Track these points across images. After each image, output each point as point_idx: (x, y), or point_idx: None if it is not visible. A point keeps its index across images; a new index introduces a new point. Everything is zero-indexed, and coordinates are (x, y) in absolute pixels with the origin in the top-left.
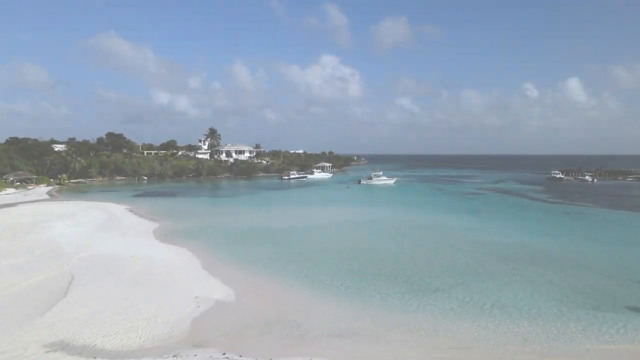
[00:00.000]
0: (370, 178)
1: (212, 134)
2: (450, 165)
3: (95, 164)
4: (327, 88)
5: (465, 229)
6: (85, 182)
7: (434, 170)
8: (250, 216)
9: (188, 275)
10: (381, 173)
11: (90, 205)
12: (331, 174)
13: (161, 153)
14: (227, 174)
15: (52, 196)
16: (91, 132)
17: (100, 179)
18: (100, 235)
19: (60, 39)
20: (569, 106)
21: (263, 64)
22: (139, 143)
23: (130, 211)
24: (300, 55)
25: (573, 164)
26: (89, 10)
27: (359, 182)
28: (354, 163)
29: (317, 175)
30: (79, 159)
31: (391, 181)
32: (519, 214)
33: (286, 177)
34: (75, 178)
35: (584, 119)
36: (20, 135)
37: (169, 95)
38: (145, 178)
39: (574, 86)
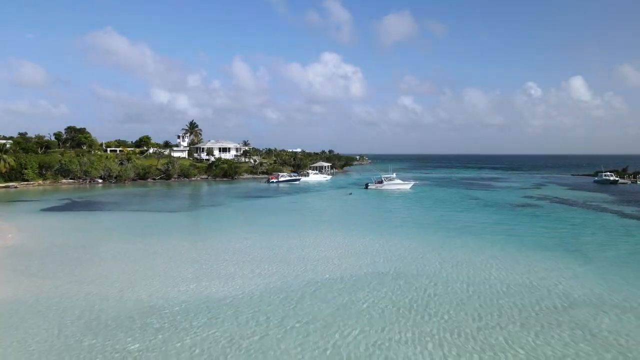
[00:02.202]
0: (381, 182)
1: (192, 128)
2: (462, 166)
3: (32, 164)
4: (328, 86)
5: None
6: (17, 187)
7: (449, 172)
8: (169, 263)
9: None
10: (394, 175)
11: None
12: (330, 176)
13: (128, 151)
14: (204, 176)
15: None
16: (90, 131)
17: (40, 182)
18: None
19: (58, 37)
20: (574, 105)
21: (263, 62)
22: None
23: None
24: (302, 54)
25: (589, 164)
26: (86, 8)
27: (366, 186)
28: (356, 163)
29: (313, 177)
30: (4, 157)
31: (407, 186)
32: None
33: (274, 180)
34: (5, 181)
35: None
36: None
37: (168, 94)
38: (100, 181)
39: (579, 85)
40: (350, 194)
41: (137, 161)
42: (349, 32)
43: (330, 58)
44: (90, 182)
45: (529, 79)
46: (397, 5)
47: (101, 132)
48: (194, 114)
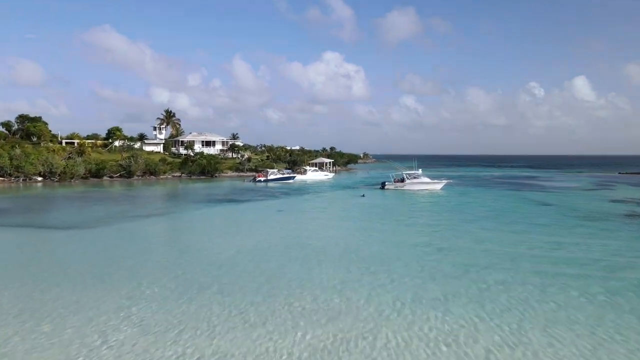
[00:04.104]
0: (402, 180)
1: (169, 118)
2: (476, 164)
3: None
4: (330, 86)
5: None
6: None
7: (468, 170)
8: None
9: None
10: (420, 172)
11: None
12: (332, 174)
13: (84, 142)
14: (177, 173)
15: None
16: (90, 131)
17: None
18: None
19: (55, 35)
20: (578, 105)
21: (264, 61)
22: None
23: None
24: (303, 52)
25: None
26: (83, 6)
27: (383, 186)
28: (360, 161)
29: (311, 175)
30: None
31: (438, 185)
32: None
33: (261, 179)
34: None
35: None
36: None
37: (168, 94)
38: (40, 179)
39: (582, 85)
40: (363, 195)
41: (93, 155)
42: (352, 29)
43: (332, 57)
44: (25, 180)
45: (532, 79)
46: (400, 1)
47: (101, 132)
48: (194, 113)
